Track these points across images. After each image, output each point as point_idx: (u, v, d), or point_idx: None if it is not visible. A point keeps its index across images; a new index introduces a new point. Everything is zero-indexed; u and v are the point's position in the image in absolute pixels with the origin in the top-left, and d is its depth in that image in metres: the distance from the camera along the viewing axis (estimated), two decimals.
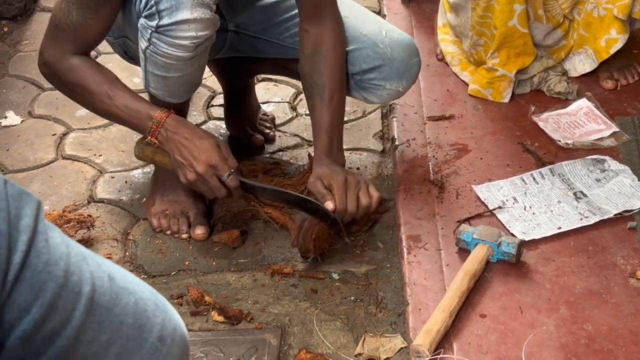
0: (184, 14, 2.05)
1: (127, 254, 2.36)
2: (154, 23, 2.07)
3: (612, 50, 2.65)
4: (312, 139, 2.71)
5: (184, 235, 2.38)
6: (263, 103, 2.84)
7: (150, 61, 2.14)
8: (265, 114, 2.77)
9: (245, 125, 2.72)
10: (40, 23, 3.34)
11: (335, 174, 2.20)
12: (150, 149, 2.24)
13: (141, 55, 2.16)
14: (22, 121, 2.86)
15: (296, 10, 2.37)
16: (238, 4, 2.41)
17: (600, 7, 2.63)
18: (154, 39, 2.10)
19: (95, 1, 2.10)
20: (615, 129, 2.55)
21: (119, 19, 2.21)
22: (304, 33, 2.28)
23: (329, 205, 2.15)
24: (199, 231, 2.36)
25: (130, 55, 2.39)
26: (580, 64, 2.75)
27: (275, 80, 2.96)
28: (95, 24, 2.13)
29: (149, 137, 2.17)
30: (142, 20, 2.10)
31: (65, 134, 2.80)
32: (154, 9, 2.06)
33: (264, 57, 2.53)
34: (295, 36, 2.39)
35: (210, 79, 3.00)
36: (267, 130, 2.74)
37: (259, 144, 2.70)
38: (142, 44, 2.12)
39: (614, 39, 2.64)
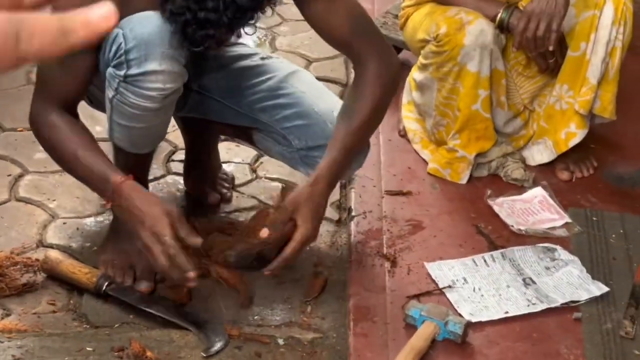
0: (153, 65, 2.06)
1: (71, 301, 2.32)
2: (122, 72, 2.08)
3: (571, 144, 2.71)
4: (269, 202, 2.73)
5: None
6: (224, 162, 2.84)
7: (117, 110, 2.14)
8: (225, 173, 2.78)
9: (203, 183, 2.71)
10: None
11: (305, 205, 2.13)
12: (54, 260, 2.31)
13: (107, 104, 2.16)
14: None
15: (261, 78, 2.40)
16: (203, 66, 2.43)
17: (562, 100, 2.69)
18: (121, 89, 2.10)
19: (67, 56, 2.09)
20: (567, 219, 2.59)
21: None
22: (354, 75, 2.29)
23: (264, 233, 2.11)
24: (142, 286, 2.33)
25: (93, 101, 2.39)
26: (539, 154, 2.81)
27: (238, 142, 2.96)
28: (70, 79, 2.14)
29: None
30: (110, 69, 2.11)
31: (20, 176, 2.77)
32: (122, 58, 2.07)
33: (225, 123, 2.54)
34: (253, 105, 2.40)
35: (172, 133, 3.00)
36: (225, 190, 2.74)
37: (215, 202, 2.70)
38: (109, 92, 2.13)
39: (573, 133, 2.70)
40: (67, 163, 2.19)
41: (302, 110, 2.36)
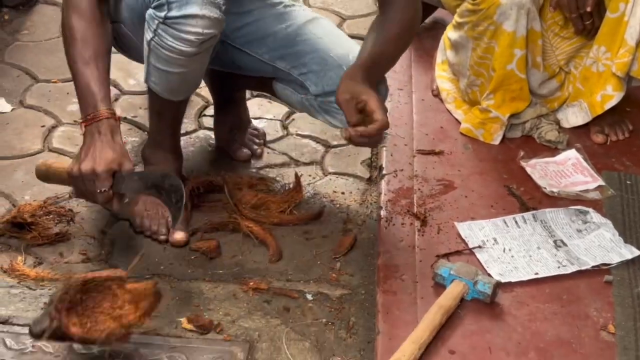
0: (193, 9, 2.07)
1: (102, 252, 2.35)
2: (162, 14, 2.09)
3: (607, 107, 2.68)
4: (300, 159, 2.74)
5: (162, 238, 2.36)
6: (255, 119, 2.84)
7: (154, 54, 2.15)
8: (255, 129, 2.77)
9: (232, 137, 2.72)
10: (41, 15, 3.34)
11: (364, 93, 2.09)
12: (44, 166, 2.27)
13: (145, 47, 2.16)
14: (12, 109, 2.85)
15: (284, 24, 2.38)
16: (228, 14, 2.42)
17: (599, 62, 2.65)
18: (160, 31, 2.11)
19: None
20: (601, 182, 2.57)
21: (114, 3, 2.21)
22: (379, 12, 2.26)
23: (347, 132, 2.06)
24: (178, 236, 2.35)
25: (120, 44, 2.37)
26: (573, 116, 2.77)
27: (270, 98, 2.96)
28: None
29: (80, 122, 2.11)
30: (150, 11, 2.12)
31: (54, 127, 2.79)
32: (164, 0, 2.07)
33: (249, 75, 2.53)
34: (275, 52, 2.40)
35: (204, 89, 3.00)
36: (255, 147, 2.74)
37: (244, 158, 2.70)
38: (148, 35, 2.13)
39: (610, 96, 2.66)
40: (71, 68, 2.14)
41: (318, 55, 2.35)
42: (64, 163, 2.24)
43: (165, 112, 2.38)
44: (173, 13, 2.08)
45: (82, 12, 2.13)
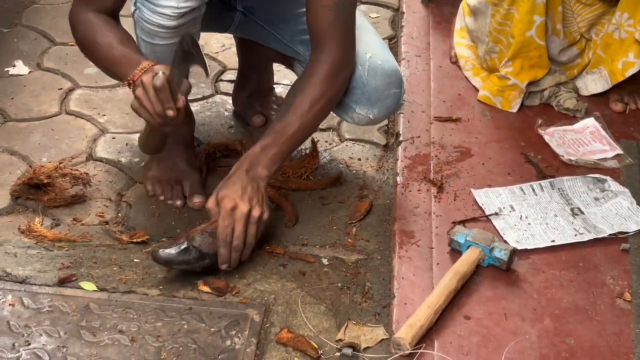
0: None
1: (119, 215, 2.35)
2: None
3: (628, 74, 2.65)
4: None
5: (177, 203, 2.38)
6: (275, 84, 2.82)
7: (138, 26, 2.15)
8: (275, 96, 2.77)
9: (250, 103, 2.71)
10: None
11: (233, 194, 2.13)
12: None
13: (133, 19, 2.16)
14: (29, 72, 2.85)
15: (304, 9, 2.37)
16: None
17: (622, 29, 2.62)
18: (139, 4, 2.10)
19: None
20: (619, 151, 2.55)
21: None
22: (310, 54, 2.24)
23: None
24: (197, 199, 2.36)
25: None
26: (593, 84, 2.75)
27: None
28: None
29: (130, 78, 2.06)
30: None
31: (71, 90, 2.79)
32: None
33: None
34: (296, 36, 2.37)
35: (222, 53, 3.00)
36: (273, 112, 2.73)
37: (259, 124, 2.69)
38: (132, 7, 2.13)
39: (631, 63, 2.63)
40: (100, 54, 2.14)
41: None
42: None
43: None
44: None
45: (94, 16, 2.14)
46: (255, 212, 2.13)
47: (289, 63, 2.55)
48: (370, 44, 2.31)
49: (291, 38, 2.40)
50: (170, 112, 1.99)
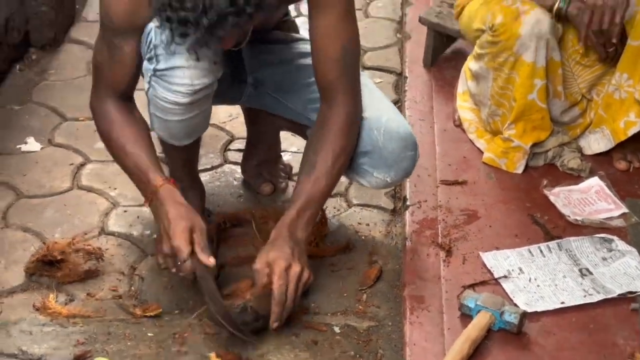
0: (179, 61, 2.09)
1: (132, 288, 2.38)
2: (151, 66, 2.13)
3: (630, 133, 2.69)
4: None
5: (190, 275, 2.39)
6: (282, 151, 2.86)
7: (152, 103, 2.20)
8: (283, 164, 2.80)
9: (259, 172, 2.75)
10: (68, 54, 3.40)
11: (284, 255, 2.18)
12: None
13: (146, 97, 2.22)
14: (41, 148, 2.90)
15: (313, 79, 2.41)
16: (261, 59, 2.45)
17: (622, 89, 2.67)
18: (152, 82, 2.15)
19: (117, 36, 2.15)
20: (624, 210, 2.57)
21: None
22: (320, 109, 2.29)
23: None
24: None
25: None
26: (596, 143, 2.79)
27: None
28: (119, 67, 2.18)
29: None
30: (144, 62, 2.16)
31: (82, 165, 2.84)
32: (152, 52, 2.12)
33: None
34: (308, 105, 2.40)
35: (229, 123, 3.05)
36: (281, 180, 2.77)
37: (267, 193, 2.73)
38: (145, 85, 2.18)
39: (633, 122, 2.67)
40: (116, 156, 2.26)
41: None
42: None
43: (175, 154, 2.44)
44: (160, 65, 2.11)
45: (111, 109, 2.22)
46: (306, 273, 2.19)
47: (298, 130, 2.59)
48: (383, 109, 2.36)
49: (303, 107, 2.43)
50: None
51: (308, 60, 2.35)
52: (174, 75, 2.11)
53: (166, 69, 2.10)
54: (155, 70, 2.12)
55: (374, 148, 2.31)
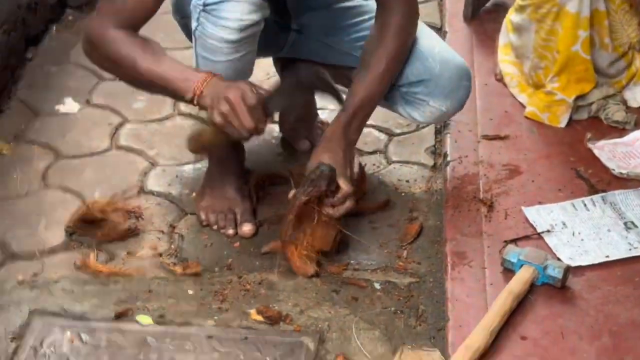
0: None
1: (172, 246, 2.38)
2: (201, 1, 2.11)
3: None
4: (363, 148, 2.73)
5: (230, 232, 2.39)
6: (318, 109, 2.84)
7: (199, 43, 2.17)
8: (320, 121, 2.78)
9: (296, 129, 2.73)
10: None
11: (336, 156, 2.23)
12: (196, 134, 2.21)
13: (193, 37, 2.19)
14: (79, 109, 2.91)
15: (362, 17, 2.38)
16: (305, 4, 2.43)
17: None
18: (201, 18, 2.12)
19: None
20: None
21: (180, 1, 2.24)
22: (375, 19, 2.29)
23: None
24: (246, 228, 2.38)
25: (191, 38, 2.40)
26: None
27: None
28: None
29: (193, 94, 2.08)
30: (193, 0, 2.13)
31: (120, 125, 2.84)
32: None
33: (324, 64, 2.53)
34: (355, 43, 2.39)
35: (267, 82, 3.02)
36: (318, 137, 2.74)
37: (306, 149, 2.71)
38: (193, 24, 2.16)
39: None
40: (144, 69, 2.12)
41: None
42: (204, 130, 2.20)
43: None
44: None
45: (122, 34, 2.13)
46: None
47: (339, 77, 2.53)
48: (435, 41, 2.38)
49: (351, 46, 2.42)
50: (262, 127, 2.07)
51: (350, 3, 2.35)
52: (224, 9, 2.09)
53: (216, 3, 2.08)
54: (205, 4, 2.10)
55: (430, 76, 2.31)
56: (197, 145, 2.25)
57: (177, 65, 2.14)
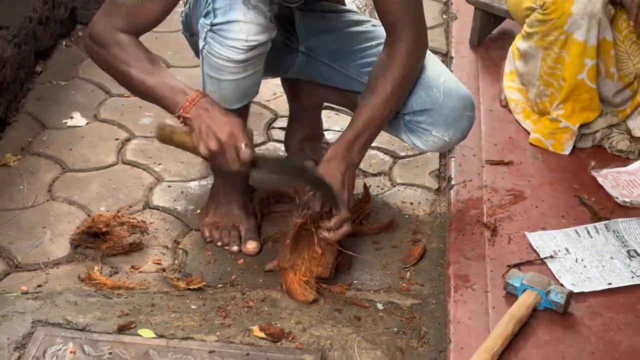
0: (236, 15, 2.10)
1: (176, 261, 2.39)
2: (209, 21, 2.13)
3: None
4: (368, 170, 2.75)
5: (234, 248, 2.40)
6: (324, 130, 2.86)
7: (206, 62, 2.19)
8: (326, 142, 2.80)
9: (302, 148, 2.74)
10: None
11: (335, 178, 2.24)
12: (169, 130, 2.21)
13: (200, 56, 2.21)
14: (87, 123, 2.92)
15: (370, 43, 2.40)
16: (314, 27, 2.45)
17: None
18: (208, 38, 2.15)
19: None
20: None
21: (191, 16, 2.26)
22: (384, 45, 2.31)
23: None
24: (251, 245, 2.39)
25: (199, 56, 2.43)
26: None
27: (337, 110, 2.99)
28: (151, 6, 2.16)
29: (180, 112, 2.12)
30: (201, 20, 2.17)
31: (127, 140, 2.85)
32: (210, 6, 2.13)
33: (331, 86, 2.55)
34: (362, 68, 2.41)
35: (273, 101, 3.05)
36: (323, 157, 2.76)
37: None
38: (201, 43, 2.18)
39: None
40: (137, 78, 2.15)
41: None
42: (184, 130, 2.19)
43: None
44: (218, 19, 2.11)
45: (125, 38, 2.17)
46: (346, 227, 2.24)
47: (345, 101, 2.58)
48: (441, 71, 2.39)
49: (357, 71, 2.44)
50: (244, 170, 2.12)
51: (359, 28, 2.35)
52: (230, 30, 2.11)
53: (223, 23, 2.11)
54: (212, 24, 2.13)
55: (433, 106, 2.32)
56: (166, 140, 2.25)
57: (169, 80, 2.16)
